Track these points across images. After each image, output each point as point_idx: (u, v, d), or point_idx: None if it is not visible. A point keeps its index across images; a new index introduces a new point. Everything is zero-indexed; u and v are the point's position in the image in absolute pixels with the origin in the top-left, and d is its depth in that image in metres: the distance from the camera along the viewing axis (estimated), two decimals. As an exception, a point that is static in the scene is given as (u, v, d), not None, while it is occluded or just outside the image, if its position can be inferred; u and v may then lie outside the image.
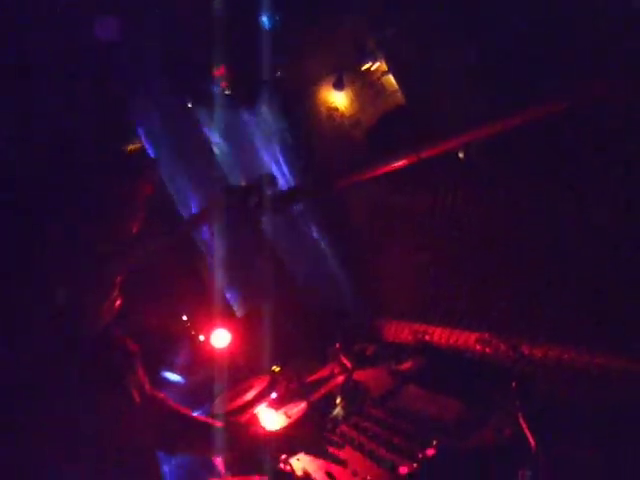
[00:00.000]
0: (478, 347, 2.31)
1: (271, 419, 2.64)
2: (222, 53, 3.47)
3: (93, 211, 1.63)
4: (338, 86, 4.09)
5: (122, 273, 1.74)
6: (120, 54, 3.63)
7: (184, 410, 2.26)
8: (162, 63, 3.69)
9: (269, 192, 3.76)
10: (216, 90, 3.77)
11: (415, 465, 1.81)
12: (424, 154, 2.14)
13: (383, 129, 4.09)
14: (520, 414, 1.71)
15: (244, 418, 2.76)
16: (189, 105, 4.00)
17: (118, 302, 1.74)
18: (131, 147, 4.55)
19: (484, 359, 2.27)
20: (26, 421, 1.46)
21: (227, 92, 3.80)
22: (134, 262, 1.82)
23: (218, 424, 2.22)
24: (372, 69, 4.16)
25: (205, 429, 2.18)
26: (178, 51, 3.76)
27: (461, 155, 2.76)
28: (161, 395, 2.19)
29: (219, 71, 3.50)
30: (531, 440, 1.59)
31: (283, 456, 2.15)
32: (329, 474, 1.99)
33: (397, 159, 2.29)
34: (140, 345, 3.21)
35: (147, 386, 2.04)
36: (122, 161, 1.90)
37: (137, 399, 1.84)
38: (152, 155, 4.29)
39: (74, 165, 1.70)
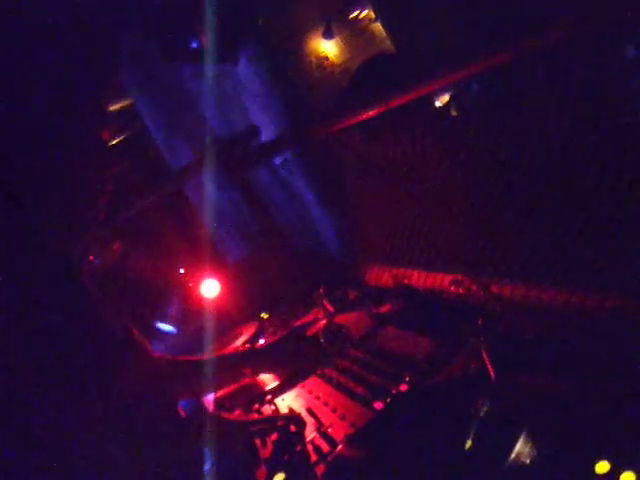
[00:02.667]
0: (452, 288, 2.41)
1: (259, 363, 2.76)
2: (203, 6, 3.47)
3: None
4: (327, 35, 4.08)
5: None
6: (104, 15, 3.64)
7: None
8: (145, 22, 3.69)
9: (253, 144, 3.83)
10: (198, 45, 3.77)
11: (389, 400, 1.93)
12: (392, 104, 2.19)
13: (365, 76, 4.10)
14: (484, 349, 1.81)
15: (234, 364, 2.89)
16: (173, 62, 4.00)
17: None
18: (122, 104, 4.57)
19: (458, 299, 2.37)
20: None
21: (209, 46, 3.80)
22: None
23: None
24: (360, 17, 4.15)
25: None
26: (159, 8, 3.75)
27: (438, 104, 2.79)
28: None
29: (200, 29, 3.51)
30: (491, 372, 1.70)
31: (268, 397, 2.27)
32: (310, 411, 2.11)
33: (367, 109, 2.34)
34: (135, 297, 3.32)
35: None
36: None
37: None
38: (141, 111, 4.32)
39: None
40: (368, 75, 4.15)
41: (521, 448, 1.40)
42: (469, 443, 1.49)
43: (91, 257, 1.84)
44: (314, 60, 4.10)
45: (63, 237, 1.76)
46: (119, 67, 3.87)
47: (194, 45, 3.78)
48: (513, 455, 1.38)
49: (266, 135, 3.78)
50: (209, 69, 3.92)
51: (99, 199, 1.84)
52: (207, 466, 2.05)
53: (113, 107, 4.55)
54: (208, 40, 3.70)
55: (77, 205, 1.78)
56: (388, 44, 4.33)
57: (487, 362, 1.76)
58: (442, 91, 2.66)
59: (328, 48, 4.14)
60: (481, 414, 1.56)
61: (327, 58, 4.15)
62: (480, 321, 1.97)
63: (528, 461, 1.38)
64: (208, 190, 3.97)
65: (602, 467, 1.27)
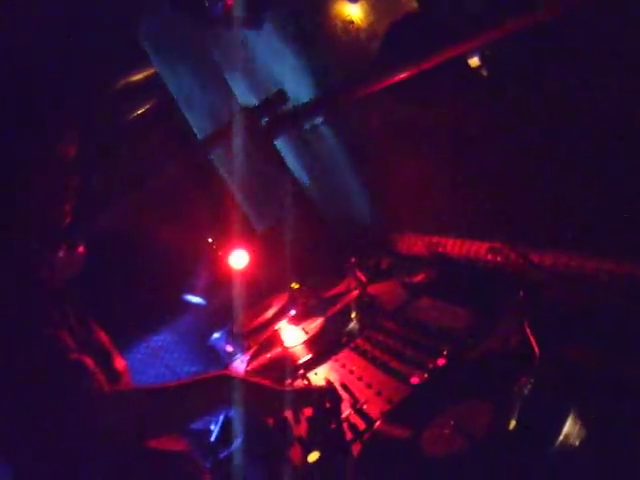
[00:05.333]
0: (489, 257, 2.32)
1: (291, 335, 2.71)
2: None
3: None
4: (352, -2, 3.96)
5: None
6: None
7: None
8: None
9: (281, 110, 3.74)
10: (222, 10, 3.68)
11: (426, 375, 1.86)
12: (425, 65, 2.08)
13: (395, 38, 3.97)
14: (526, 322, 1.72)
15: (265, 335, 2.84)
16: (199, 28, 3.93)
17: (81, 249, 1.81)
18: (145, 73, 4.52)
19: (495, 269, 2.28)
20: None
21: (233, 11, 3.71)
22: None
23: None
24: (385, -23, 4.01)
25: None
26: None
27: (475, 63, 2.68)
28: None
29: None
30: (535, 348, 1.61)
31: (300, 371, 2.22)
32: (345, 386, 2.05)
33: (399, 71, 2.23)
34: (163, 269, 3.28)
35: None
36: None
37: None
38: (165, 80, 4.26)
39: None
40: (397, 37, 4.01)
41: (569, 429, 1.31)
42: (513, 423, 1.42)
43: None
44: (339, 24, 3.99)
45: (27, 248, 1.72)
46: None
47: (218, 10, 3.68)
48: (561, 437, 1.30)
49: (294, 100, 3.69)
50: (234, 34, 3.83)
51: (63, 205, 1.79)
52: (237, 443, 2.02)
53: (136, 77, 4.50)
54: (232, 5, 3.61)
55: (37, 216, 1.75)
56: (414, 6, 4.18)
57: (530, 336, 1.67)
58: (473, 52, 2.54)
59: (353, 12, 4.03)
60: (525, 392, 1.48)
61: (352, 22, 4.04)
62: (521, 292, 1.87)
63: (577, 443, 1.29)
64: (236, 157, 3.91)
65: (659, 451, 1.18)
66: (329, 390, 1.97)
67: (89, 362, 1.58)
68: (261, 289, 3.24)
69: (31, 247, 1.72)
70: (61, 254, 1.78)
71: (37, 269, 1.71)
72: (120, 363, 1.88)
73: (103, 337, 1.89)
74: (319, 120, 3.50)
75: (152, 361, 3.41)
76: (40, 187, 1.71)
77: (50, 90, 1.91)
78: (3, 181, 1.68)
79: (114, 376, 1.77)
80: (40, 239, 1.75)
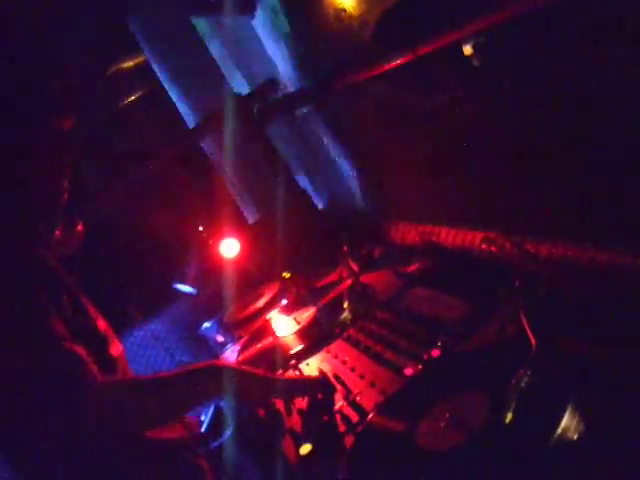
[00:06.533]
0: (484, 246, 2.29)
1: (282, 325, 2.68)
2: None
3: None
4: (344, -16, 3.92)
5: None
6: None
7: None
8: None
9: (273, 97, 3.69)
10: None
11: (420, 366, 1.83)
12: (421, 51, 2.05)
13: (387, 26, 3.93)
14: (522, 312, 1.69)
15: (256, 325, 2.81)
16: (189, 14, 3.87)
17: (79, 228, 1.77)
18: (135, 61, 4.45)
19: (490, 258, 2.25)
20: None
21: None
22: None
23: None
24: (377, -36, 3.97)
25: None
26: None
27: (467, 52, 2.64)
28: None
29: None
30: (532, 339, 1.59)
31: (292, 361, 2.19)
32: (337, 377, 2.02)
33: (393, 58, 2.20)
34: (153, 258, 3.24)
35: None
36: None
37: None
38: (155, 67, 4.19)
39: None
40: (389, 25, 3.97)
41: (568, 423, 1.29)
42: (509, 416, 1.39)
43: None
44: (332, 12, 3.96)
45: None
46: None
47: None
48: (559, 430, 1.27)
49: (286, 88, 3.65)
50: (226, 22, 3.78)
51: (61, 181, 1.75)
52: (227, 434, 1.99)
53: (126, 64, 4.44)
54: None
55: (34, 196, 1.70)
56: (407, -8, 4.14)
57: (526, 326, 1.64)
58: (466, 40, 2.50)
59: (345, 0, 3.99)
60: (522, 384, 1.45)
61: (345, 10, 4.00)
62: (517, 282, 1.84)
63: (576, 437, 1.27)
64: (227, 145, 3.86)
65: (660, 445, 1.16)
66: (322, 381, 1.94)
67: (81, 351, 1.54)
68: (252, 278, 3.21)
69: (30, 229, 1.68)
70: (58, 232, 1.74)
71: (36, 253, 1.67)
72: (116, 349, 1.84)
73: (100, 323, 1.85)
74: (311, 108, 3.46)
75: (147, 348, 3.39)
76: (38, 164, 1.66)
77: (46, 72, 1.85)
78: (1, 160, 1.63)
79: (109, 364, 1.73)
80: (39, 218, 1.70)
